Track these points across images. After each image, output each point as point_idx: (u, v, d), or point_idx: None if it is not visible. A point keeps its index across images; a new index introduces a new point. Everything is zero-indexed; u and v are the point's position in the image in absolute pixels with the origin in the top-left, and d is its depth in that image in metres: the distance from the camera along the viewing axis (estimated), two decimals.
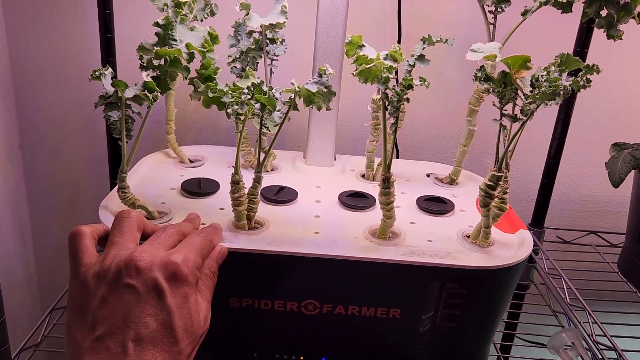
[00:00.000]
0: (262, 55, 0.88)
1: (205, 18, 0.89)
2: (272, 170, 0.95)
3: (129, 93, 0.61)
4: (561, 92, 0.64)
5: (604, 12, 0.78)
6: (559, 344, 0.86)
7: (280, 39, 0.88)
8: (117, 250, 0.54)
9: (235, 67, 0.89)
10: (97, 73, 0.62)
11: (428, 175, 0.98)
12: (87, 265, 0.54)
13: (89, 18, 1.04)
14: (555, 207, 1.18)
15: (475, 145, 1.14)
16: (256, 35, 0.89)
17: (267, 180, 0.90)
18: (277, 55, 0.90)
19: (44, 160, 1.15)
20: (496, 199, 0.73)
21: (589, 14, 0.78)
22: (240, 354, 0.75)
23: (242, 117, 0.68)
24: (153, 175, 0.89)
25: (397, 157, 1.12)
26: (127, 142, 0.71)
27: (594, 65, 0.64)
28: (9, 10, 1.04)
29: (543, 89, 0.64)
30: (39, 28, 1.05)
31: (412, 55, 0.84)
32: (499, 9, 0.84)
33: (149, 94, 0.62)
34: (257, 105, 0.66)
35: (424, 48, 0.83)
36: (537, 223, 1.05)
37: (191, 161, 0.96)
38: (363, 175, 0.96)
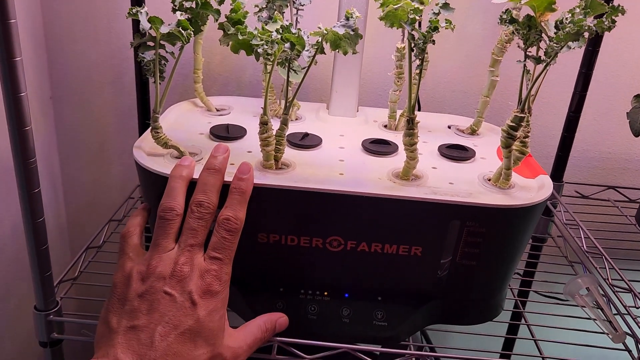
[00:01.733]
0: (288, 4, 0.90)
1: None
2: (296, 119, 0.97)
3: (164, 29, 0.64)
4: (585, 33, 0.65)
5: None
6: (575, 290, 0.88)
7: None
8: (161, 255, 0.62)
9: (262, 16, 0.91)
10: (134, 10, 0.64)
11: (449, 127, 1.00)
12: (134, 260, 0.64)
13: None
14: (575, 164, 1.19)
15: (496, 101, 1.15)
16: None
17: (292, 128, 0.91)
18: (302, 5, 0.92)
19: (74, 112, 1.18)
20: (517, 143, 0.75)
21: None
22: (267, 288, 0.79)
23: (271, 58, 0.70)
24: (182, 122, 0.92)
25: (419, 109, 1.13)
26: (159, 83, 0.74)
27: (619, 6, 0.65)
28: None
29: (567, 29, 0.65)
30: None
31: (437, 4, 0.86)
32: None
33: (183, 32, 0.65)
34: (287, 45, 0.68)
35: None
36: (556, 176, 1.06)
37: (218, 110, 0.98)
38: (385, 126, 0.97)
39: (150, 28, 0.64)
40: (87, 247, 0.90)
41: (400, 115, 0.97)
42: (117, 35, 1.11)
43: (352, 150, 0.87)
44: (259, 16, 0.91)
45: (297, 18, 0.93)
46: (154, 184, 0.74)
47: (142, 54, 0.71)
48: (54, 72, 1.14)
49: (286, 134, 0.77)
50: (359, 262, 0.76)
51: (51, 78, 1.14)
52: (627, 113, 0.87)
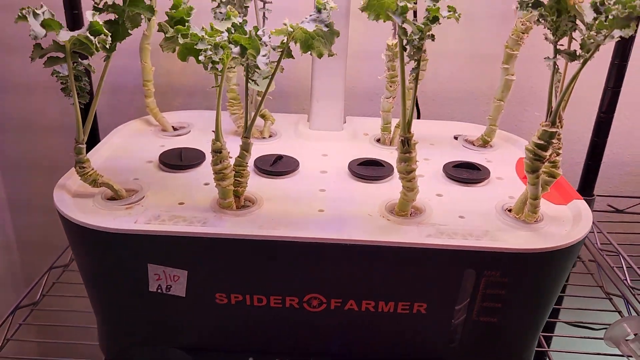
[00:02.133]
0: None
1: None
2: (270, 136, 0.80)
3: (64, 36, 0.47)
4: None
5: None
6: (620, 335, 0.71)
7: None
8: None
9: (220, 12, 0.74)
10: (23, 12, 0.47)
11: (456, 138, 0.83)
12: None
13: None
14: (605, 171, 1.02)
15: (510, 103, 0.98)
16: None
17: (264, 148, 0.76)
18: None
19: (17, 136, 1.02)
20: (546, 164, 0.57)
21: None
22: (232, 359, 0.62)
23: (219, 66, 0.53)
24: (128, 146, 0.76)
25: (418, 117, 0.96)
26: (81, 104, 0.58)
27: None
28: None
29: (614, 12, 0.48)
30: None
31: None
32: None
33: (92, 38, 0.48)
34: (236, 49, 0.51)
35: None
36: (586, 190, 0.89)
37: (175, 129, 0.82)
38: (378, 140, 0.81)
39: (45, 35, 0.47)
40: (51, 267, 0.79)
41: (395, 127, 0.80)
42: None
43: (337, 175, 0.70)
44: (215, 12, 0.74)
45: (264, 13, 0.76)
46: (80, 237, 0.58)
47: (53, 66, 0.55)
48: None
49: (248, 162, 0.60)
50: (346, 325, 0.60)
51: None
52: None
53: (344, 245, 0.54)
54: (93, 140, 0.87)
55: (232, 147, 0.60)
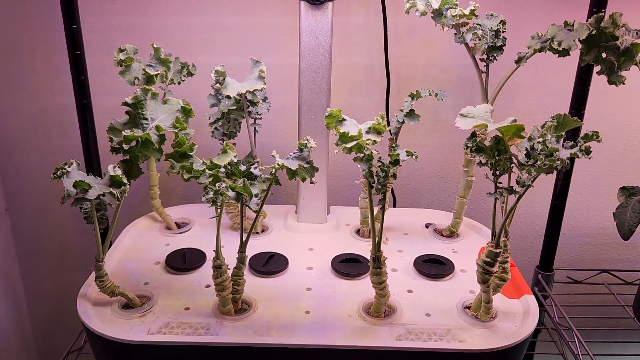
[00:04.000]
0: (244, 115, 0.84)
1: (183, 80, 0.85)
2: (262, 231, 0.91)
3: (92, 193, 0.57)
4: (559, 167, 0.59)
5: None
6: None
7: (261, 101, 0.84)
8: None
9: (217, 129, 0.85)
10: (58, 172, 0.58)
11: (427, 226, 0.93)
12: None
13: (64, 82, 1.00)
14: (565, 242, 1.13)
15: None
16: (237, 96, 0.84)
17: (257, 243, 0.86)
18: (260, 114, 0.86)
19: (32, 222, 1.12)
20: (495, 268, 0.68)
21: (587, 60, 0.73)
22: None
23: (218, 204, 0.64)
24: (137, 247, 0.85)
25: (395, 204, 1.07)
26: (101, 229, 0.68)
27: (593, 133, 0.59)
28: None
29: (539, 162, 0.59)
30: (14, 92, 1.02)
31: (402, 111, 0.80)
32: (491, 58, 0.79)
33: (115, 192, 0.58)
34: (232, 194, 0.62)
35: (412, 103, 0.79)
36: (545, 266, 1.00)
37: (178, 225, 0.92)
38: (358, 231, 0.91)
39: (77, 194, 0.58)
40: (69, 351, 0.84)
41: None
42: (69, 141, 1.05)
43: (321, 272, 0.80)
44: (213, 129, 0.85)
45: (255, 128, 0.87)
46: (101, 344, 0.67)
47: (78, 204, 0.65)
48: (7, 184, 1.08)
49: (244, 272, 0.70)
50: None
51: (5, 190, 1.08)
52: (613, 214, 0.81)
53: (327, 350, 0.64)
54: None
55: (229, 241, 0.69)
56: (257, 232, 0.90)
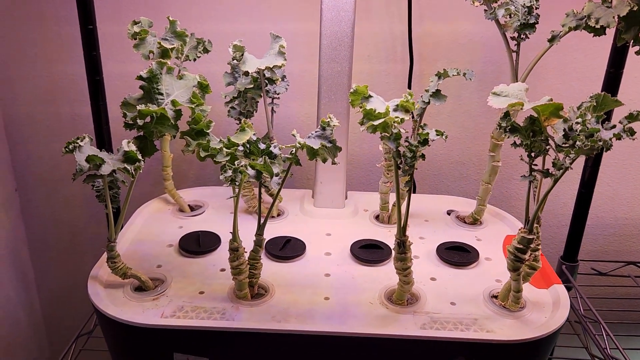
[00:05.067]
0: (262, 94, 0.81)
1: (199, 57, 0.81)
2: (278, 215, 0.88)
3: (106, 169, 0.54)
4: (599, 148, 0.55)
5: None
6: None
7: (279, 78, 0.81)
8: None
9: (234, 108, 0.82)
10: (70, 146, 0.55)
11: (449, 213, 0.90)
12: None
13: (75, 58, 0.97)
14: (589, 233, 1.09)
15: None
16: (254, 73, 0.81)
17: (273, 227, 0.83)
18: (278, 94, 0.83)
19: (41, 202, 1.09)
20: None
21: (626, 39, 0.69)
22: None
23: (237, 183, 0.61)
24: (150, 230, 0.83)
25: (414, 190, 1.03)
26: (113, 209, 0.65)
27: (638, 113, 0.55)
28: None
29: (579, 143, 0.55)
30: (25, 69, 0.99)
31: (427, 91, 0.76)
32: (523, 36, 0.75)
33: (130, 167, 0.55)
34: (252, 172, 0.59)
35: (439, 83, 0.75)
36: (569, 257, 0.96)
37: (192, 208, 0.89)
38: (377, 217, 0.88)
39: (89, 169, 0.55)
40: (79, 334, 0.82)
41: (392, 205, 0.87)
42: (82, 120, 1.02)
43: (340, 257, 0.77)
44: (229, 108, 0.82)
45: (272, 107, 0.84)
46: (113, 327, 0.65)
47: (91, 182, 0.62)
48: (17, 164, 1.05)
49: (261, 256, 0.67)
50: None
51: (14, 170, 1.06)
52: None
53: (348, 338, 0.61)
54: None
55: (244, 224, 0.66)
56: (273, 217, 0.87)
